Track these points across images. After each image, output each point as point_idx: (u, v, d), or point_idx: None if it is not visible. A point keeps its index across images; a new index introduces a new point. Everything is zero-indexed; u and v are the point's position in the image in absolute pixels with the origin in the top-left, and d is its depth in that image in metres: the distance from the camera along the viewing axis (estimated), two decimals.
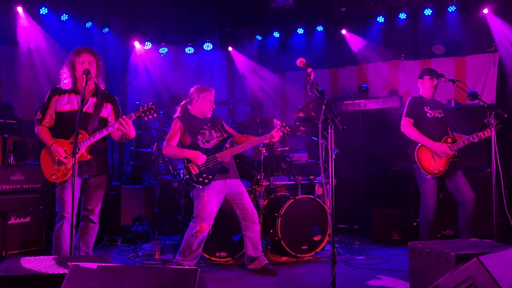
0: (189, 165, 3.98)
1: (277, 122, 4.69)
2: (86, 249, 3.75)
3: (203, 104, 4.22)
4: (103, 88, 3.86)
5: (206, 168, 3.99)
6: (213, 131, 4.20)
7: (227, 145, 4.17)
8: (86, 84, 3.50)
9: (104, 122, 3.80)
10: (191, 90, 4.32)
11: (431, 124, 4.54)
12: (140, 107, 3.64)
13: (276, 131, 4.17)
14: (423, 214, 4.53)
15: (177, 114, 4.30)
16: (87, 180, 3.76)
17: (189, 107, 4.29)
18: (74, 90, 3.74)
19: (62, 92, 3.74)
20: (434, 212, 4.48)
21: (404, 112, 4.65)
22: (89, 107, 3.72)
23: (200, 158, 3.95)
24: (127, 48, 7.98)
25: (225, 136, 4.21)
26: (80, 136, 3.58)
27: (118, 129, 3.56)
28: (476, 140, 4.41)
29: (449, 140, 4.47)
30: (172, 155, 4.14)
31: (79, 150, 3.53)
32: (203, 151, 4.03)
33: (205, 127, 4.19)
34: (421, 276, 3.27)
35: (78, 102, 3.68)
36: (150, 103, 3.64)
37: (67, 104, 3.69)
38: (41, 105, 3.79)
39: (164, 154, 4.18)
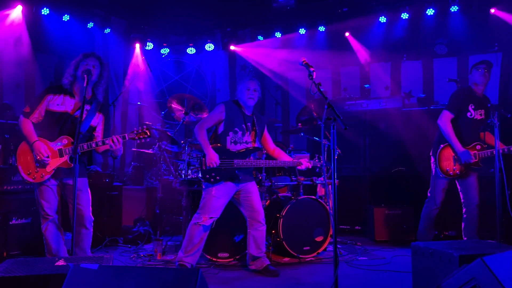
0: (203, 159, 3.98)
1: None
2: (84, 254, 3.72)
3: (241, 93, 4.15)
4: (100, 99, 3.80)
5: (218, 169, 3.97)
6: (247, 133, 4.14)
7: (252, 156, 4.14)
8: (87, 84, 3.47)
9: (91, 131, 3.76)
10: None
11: (467, 126, 4.44)
12: (135, 129, 3.61)
13: (307, 161, 4.15)
14: (427, 206, 4.58)
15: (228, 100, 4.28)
16: (67, 185, 3.66)
17: (239, 98, 4.23)
18: (70, 92, 3.68)
19: (58, 91, 3.66)
20: (438, 208, 4.51)
21: (448, 103, 4.52)
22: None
23: (213, 161, 3.91)
24: (129, 49, 7.98)
25: (255, 146, 4.16)
26: (66, 141, 3.59)
27: (110, 146, 3.53)
28: (506, 152, 4.26)
29: (478, 147, 4.40)
30: (197, 138, 4.07)
31: (66, 154, 3.55)
32: (226, 152, 4.02)
33: (243, 126, 4.12)
34: (424, 277, 3.25)
35: (71, 106, 3.65)
36: (145, 127, 3.61)
37: (61, 105, 3.63)
38: (31, 100, 3.72)
39: (194, 131, 4.14)
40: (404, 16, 6.97)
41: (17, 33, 6.53)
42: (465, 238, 4.41)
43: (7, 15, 6.40)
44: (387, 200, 5.84)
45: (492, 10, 6.53)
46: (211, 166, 3.93)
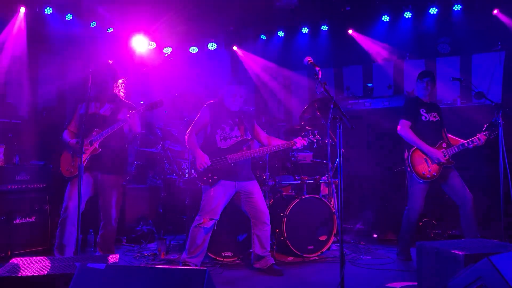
0: (195, 162, 4.02)
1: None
2: (108, 251, 3.94)
3: (226, 97, 4.17)
4: (120, 96, 4.17)
5: (213, 168, 3.97)
6: (236, 128, 4.14)
7: (244, 147, 4.12)
8: (90, 83, 3.60)
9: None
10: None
11: (427, 128, 4.48)
12: (143, 102, 3.82)
13: (300, 139, 4.13)
14: (407, 215, 4.56)
15: (211, 101, 4.28)
16: (99, 178, 3.94)
17: (223, 99, 4.23)
18: (95, 98, 4.02)
19: (83, 100, 4.01)
20: (418, 214, 4.51)
21: (402, 113, 4.58)
22: (106, 110, 4.01)
23: (204, 163, 3.95)
24: (132, 48, 7.96)
25: (244, 138, 4.14)
26: (95, 133, 3.92)
27: (126, 120, 3.87)
28: (471, 146, 4.34)
29: (444, 145, 4.42)
30: (186, 144, 4.15)
31: (86, 150, 3.83)
32: (217, 150, 4.02)
33: (229, 121, 4.13)
34: (429, 277, 3.24)
35: (97, 107, 4.02)
36: (158, 99, 3.96)
37: (90, 108, 3.99)
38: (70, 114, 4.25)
39: (184, 138, 4.21)
40: (407, 15, 6.96)
41: (20, 33, 6.53)
42: (466, 237, 4.38)
43: (11, 15, 6.40)
44: (390, 199, 5.83)
45: (495, 11, 6.52)
46: (203, 167, 3.95)
